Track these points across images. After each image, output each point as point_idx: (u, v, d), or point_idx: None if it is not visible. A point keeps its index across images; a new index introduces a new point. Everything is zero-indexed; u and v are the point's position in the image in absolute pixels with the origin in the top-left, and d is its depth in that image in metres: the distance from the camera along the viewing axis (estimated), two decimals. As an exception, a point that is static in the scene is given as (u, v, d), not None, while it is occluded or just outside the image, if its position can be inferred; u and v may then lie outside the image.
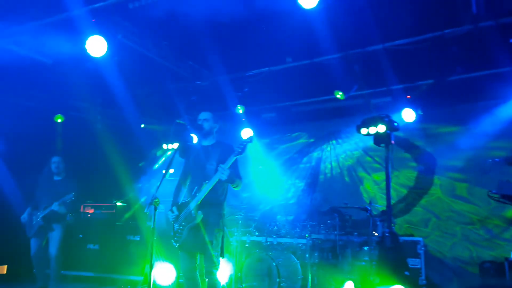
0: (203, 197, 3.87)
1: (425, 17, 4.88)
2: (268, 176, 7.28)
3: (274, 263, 5.19)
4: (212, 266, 3.85)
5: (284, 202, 6.81)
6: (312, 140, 7.11)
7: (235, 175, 3.97)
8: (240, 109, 6.52)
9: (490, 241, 5.45)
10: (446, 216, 5.85)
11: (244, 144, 3.84)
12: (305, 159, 7.13)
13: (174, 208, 4.08)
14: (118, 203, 6.70)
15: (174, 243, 4.05)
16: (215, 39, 5.24)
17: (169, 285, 5.66)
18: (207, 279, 3.90)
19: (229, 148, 4.03)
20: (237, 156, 3.86)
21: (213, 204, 3.93)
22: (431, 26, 5.02)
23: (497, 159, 4.50)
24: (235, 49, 5.51)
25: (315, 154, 7.06)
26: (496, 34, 4.70)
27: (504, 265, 4.52)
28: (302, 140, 7.23)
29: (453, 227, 5.76)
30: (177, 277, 5.77)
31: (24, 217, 5.35)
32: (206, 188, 3.88)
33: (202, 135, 4.15)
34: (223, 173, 3.76)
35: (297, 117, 6.96)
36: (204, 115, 4.17)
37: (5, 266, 6.40)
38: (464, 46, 5.06)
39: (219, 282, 3.99)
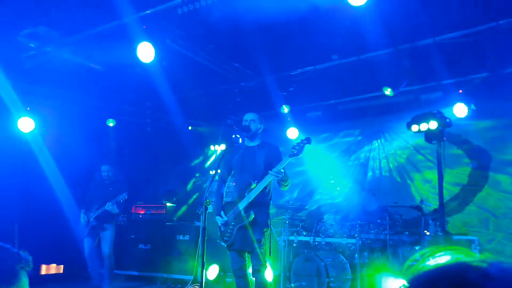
0: (253, 197, 3.91)
1: (477, 8, 4.69)
2: (315, 175, 7.23)
3: (322, 263, 5.16)
4: (259, 264, 3.92)
5: (331, 201, 6.74)
6: (359, 138, 6.99)
7: (287, 176, 4.01)
8: (285, 109, 6.53)
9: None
10: (503, 215, 5.57)
11: (301, 144, 3.87)
12: (352, 157, 7.02)
13: (222, 213, 4.15)
14: (168, 204, 6.89)
15: (223, 243, 4.14)
16: (260, 40, 5.26)
17: (213, 279, 5.76)
18: (255, 278, 3.97)
19: (275, 149, 4.14)
20: (293, 157, 3.89)
21: (261, 204, 4.00)
22: (484, 17, 4.81)
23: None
24: (280, 48, 5.52)
25: (363, 152, 6.94)
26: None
27: None
28: (349, 138, 7.12)
29: (509, 225, 5.48)
30: (220, 275, 5.85)
31: (83, 218, 5.60)
32: (257, 188, 3.93)
33: (249, 136, 4.22)
34: (278, 175, 3.80)
35: (343, 115, 6.87)
36: (249, 116, 4.22)
37: (62, 266, 6.73)
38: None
39: (267, 281, 4.04)
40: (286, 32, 5.14)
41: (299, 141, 3.92)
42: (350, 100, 6.55)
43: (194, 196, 7.33)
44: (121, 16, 4.82)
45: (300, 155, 3.89)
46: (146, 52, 4.91)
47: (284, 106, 6.48)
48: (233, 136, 4.46)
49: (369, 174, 6.81)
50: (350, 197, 6.37)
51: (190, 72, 5.96)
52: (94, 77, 6.08)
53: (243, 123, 4.24)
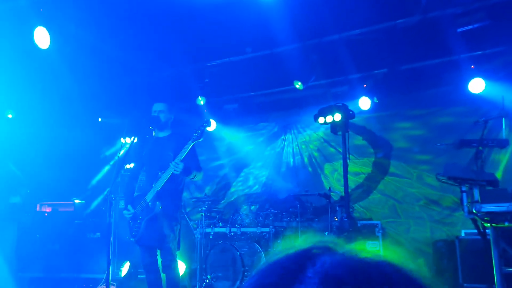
0: (159, 188, 3.80)
1: (379, 8, 5.02)
2: (232, 166, 7.30)
3: (238, 253, 5.24)
4: (170, 259, 3.83)
5: (248, 192, 6.86)
6: (275, 129, 7.20)
7: (192, 166, 3.91)
8: (201, 101, 6.47)
9: (442, 221, 5.74)
10: (402, 200, 6.10)
11: (201, 128, 3.81)
12: (268, 148, 7.21)
13: (129, 206, 4.00)
14: (77, 201, 6.51)
15: (132, 238, 4.01)
16: (174, 29, 5.16)
17: (124, 276, 5.60)
18: (165, 273, 3.88)
19: (186, 136, 3.95)
20: (195, 142, 3.79)
21: (169, 195, 3.86)
22: (385, 16, 5.17)
23: (445, 144, 4.73)
24: (195, 38, 5.45)
25: (278, 144, 7.16)
26: (444, 23, 4.91)
27: (455, 243, 4.81)
28: (264, 131, 7.30)
29: (409, 210, 6.03)
30: (131, 272, 5.70)
31: None
32: (163, 178, 3.79)
33: (158, 127, 4.07)
34: (176, 167, 3.70)
35: (259, 108, 7.00)
36: (158, 107, 4.07)
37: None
38: (415, 36, 5.25)
39: (178, 275, 3.99)
40: (200, 22, 5.09)
41: (199, 125, 3.87)
42: (265, 93, 6.69)
43: (105, 192, 7.01)
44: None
45: (201, 139, 3.83)
46: (42, 37, 4.54)
47: (199, 98, 6.43)
48: (150, 128, 4.26)
49: (284, 164, 7.04)
50: (266, 188, 6.54)
51: (99, 62, 5.65)
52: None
53: (152, 114, 4.10)
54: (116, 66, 5.91)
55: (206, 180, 7.04)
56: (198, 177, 4.11)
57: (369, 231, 5.56)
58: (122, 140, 6.23)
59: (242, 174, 7.23)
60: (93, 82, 6.01)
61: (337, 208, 5.56)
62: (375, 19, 5.21)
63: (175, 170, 3.73)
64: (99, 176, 6.94)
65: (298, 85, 5.66)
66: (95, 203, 6.84)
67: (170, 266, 3.86)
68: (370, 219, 6.00)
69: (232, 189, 7.21)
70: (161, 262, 3.93)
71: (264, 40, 5.52)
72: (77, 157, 6.64)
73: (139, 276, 5.64)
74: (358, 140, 6.42)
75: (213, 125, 6.81)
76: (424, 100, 6.15)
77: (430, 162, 5.90)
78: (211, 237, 5.88)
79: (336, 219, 5.48)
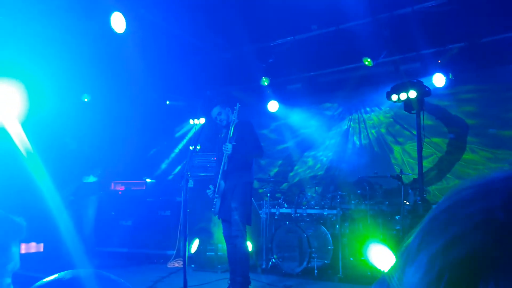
0: (224, 169, 4.23)
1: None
2: (296, 148, 7.23)
3: (304, 234, 5.21)
4: (237, 230, 4.11)
5: (312, 174, 6.77)
6: (340, 109, 6.97)
7: (249, 146, 4.19)
8: (265, 81, 6.43)
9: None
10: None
11: (235, 110, 4.04)
12: (333, 130, 7.01)
13: (211, 186, 4.45)
14: (148, 180, 6.80)
15: (213, 214, 4.32)
16: (237, 8, 5.13)
17: (193, 253, 5.82)
18: (235, 244, 4.11)
19: (246, 124, 4.35)
20: (234, 124, 4.15)
21: (235, 174, 4.25)
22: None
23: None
24: (258, 18, 5.39)
25: (344, 124, 6.93)
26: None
27: None
28: (329, 111, 7.09)
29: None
30: (200, 249, 5.88)
31: None
32: (224, 160, 4.23)
33: (226, 127, 4.32)
34: (226, 149, 4.14)
35: (324, 87, 6.81)
36: (215, 112, 4.32)
37: (42, 244, 6.59)
38: (497, 4, 4.80)
39: (247, 247, 4.20)
40: (264, 0, 5.01)
41: (233, 109, 4.19)
42: (330, 71, 6.48)
43: (175, 171, 7.26)
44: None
45: (237, 121, 4.20)
46: (118, 21, 4.72)
47: (263, 79, 6.38)
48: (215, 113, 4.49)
49: (349, 145, 6.83)
50: (331, 169, 6.40)
51: (165, 43, 5.77)
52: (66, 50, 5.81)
53: (217, 121, 4.35)
54: (183, 49, 6.01)
55: (269, 161, 7.04)
56: (257, 154, 4.44)
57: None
58: (191, 121, 6.38)
59: (306, 155, 7.12)
60: (161, 65, 6.16)
61: (410, 191, 5.31)
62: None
63: (225, 150, 4.16)
64: (171, 157, 7.19)
65: (367, 62, 5.41)
66: (165, 182, 7.10)
67: (237, 236, 4.16)
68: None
69: (296, 170, 7.15)
70: (231, 232, 4.15)
71: (331, 16, 5.33)
72: (148, 138, 6.91)
73: (207, 253, 5.80)
74: (431, 120, 6.04)
75: (275, 106, 6.76)
76: (505, 75, 5.64)
77: (510, 142, 5.45)
78: (276, 217, 5.90)
79: (408, 203, 5.26)
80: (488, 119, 5.77)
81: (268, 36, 5.97)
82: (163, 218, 6.38)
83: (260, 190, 6.19)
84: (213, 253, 5.75)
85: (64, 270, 0.87)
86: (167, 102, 7.21)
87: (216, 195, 4.31)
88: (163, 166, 7.16)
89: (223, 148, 4.17)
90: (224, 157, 4.22)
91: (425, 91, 4.82)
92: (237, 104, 4.14)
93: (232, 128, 4.19)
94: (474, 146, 5.83)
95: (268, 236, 5.71)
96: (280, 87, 6.81)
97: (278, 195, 6.12)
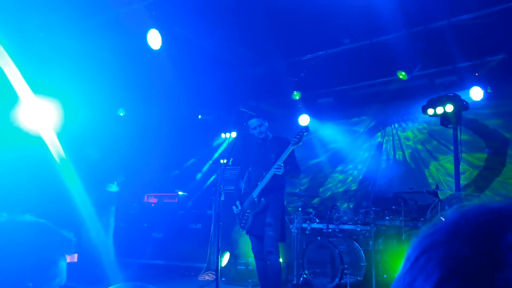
0: (263, 185, 4.20)
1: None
2: (327, 162, 7.17)
3: (337, 250, 5.11)
4: (271, 246, 4.07)
5: (344, 189, 6.67)
6: (373, 123, 6.87)
7: (292, 168, 4.23)
8: (296, 95, 6.44)
9: None
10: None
11: (300, 133, 4.03)
12: (366, 144, 6.91)
13: (238, 203, 4.44)
14: (180, 193, 6.89)
15: (241, 229, 4.30)
16: (269, 24, 5.17)
17: (224, 266, 5.82)
18: (268, 260, 4.09)
19: (285, 141, 4.32)
20: (294, 146, 4.06)
21: (273, 192, 4.24)
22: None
23: None
24: (290, 33, 5.42)
25: (377, 139, 6.82)
26: None
27: None
28: (362, 125, 7.00)
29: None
30: (230, 262, 5.87)
31: None
32: (267, 177, 4.19)
33: (263, 140, 4.34)
34: (279, 169, 4.06)
35: (355, 101, 6.75)
36: (253, 123, 4.31)
37: (76, 255, 6.74)
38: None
39: (280, 264, 4.16)
40: (296, 16, 5.04)
41: (299, 131, 4.10)
42: (362, 85, 6.42)
43: (206, 185, 7.31)
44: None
45: (300, 143, 4.07)
46: (154, 38, 4.86)
47: (295, 92, 6.39)
48: (247, 123, 4.52)
49: (383, 160, 6.70)
50: (364, 184, 6.29)
51: (198, 59, 5.89)
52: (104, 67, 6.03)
53: (255, 133, 4.34)
54: (214, 64, 6.11)
55: (301, 175, 7.00)
56: (297, 176, 4.52)
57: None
58: (223, 135, 6.45)
59: (338, 169, 7.03)
60: (194, 80, 6.29)
61: (446, 207, 5.15)
62: (488, 1, 4.72)
63: (277, 171, 4.11)
64: (203, 170, 7.28)
65: (402, 75, 5.32)
66: (196, 195, 7.18)
67: (272, 252, 4.14)
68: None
69: (328, 185, 7.07)
70: (264, 248, 4.13)
71: (364, 30, 5.28)
72: (181, 152, 7.03)
73: (238, 267, 5.79)
74: (468, 134, 5.85)
75: (306, 120, 6.75)
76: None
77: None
78: (307, 232, 5.83)
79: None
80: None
81: (300, 51, 5.99)
82: (194, 231, 6.43)
83: (291, 205, 6.14)
84: (244, 267, 5.74)
85: (98, 281, 0.89)
86: (199, 117, 7.32)
87: (248, 211, 4.30)
88: (196, 179, 7.26)
89: (276, 168, 4.08)
90: (267, 174, 4.18)
91: (462, 105, 4.70)
92: (303, 131, 4.08)
93: (286, 148, 4.14)
94: (515, 162, 5.60)
95: (299, 251, 5.65)
96: (311, 101, 6.80)
97: (310, 210, 6.05)
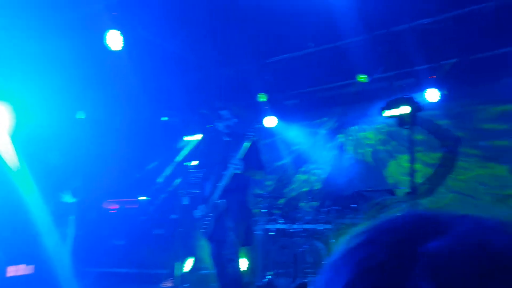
0: (224, 186, 4.03)
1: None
2: (293, 163, 7.24)
3: (299, 250, 5.18)
4: (232, 252, 3.94)
5: (308, 189, 6.77)
6: (336, 125, 7.04)
7: (253, 164, 4.04)
8: (262, 97, 6.47)
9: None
10: (472, 195, 5.80)
11: (254, 127, 3.94)
12: (329, 145, 7.07)
13: (201, 207, 4.24)
14: (141, 198, 6.72)
15: (203, 235, 4.17)
16: (236, 26, 5.17)
17: (187, 272, 5.72)
18: (228, 266, 4.00)
19: (244, 136, 4.14)
20: (250, 141, 3.94)
21: (235, 192, 4.07)
22: (456, 3, 4.87)
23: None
24: (256, 35, 5.43)
25: (340, 139, 6.99)
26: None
27: None
28: (326, 126, 7.15)
29: (479, 205, 5.71)
30: (194, 267, 5.79)
31: None
32: (226, 177, 4.03)
33: (226, 137, 4.23)
34: (236, 166, 3.94)
35: (321, 103, 6.86)
36: (224, 115, 4.22)
37: (32, 266, 6.40)
38: (487, 23, 4.91)
39: (239, 268, 4.08)
40: (263, 18, 5.06)
41: (253, 124, 4.03)
42: (327, 87, 6.56)
43: (170, 188, 7.17)
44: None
45: (256, 138, 4.01)
46: (115, 39, 4.73)
47: (261, 94, 6.42)
48: (208, 126, 4.44)
49: (345, 160, 6.88)
50: (327, 184, 6.42)
51: (162, 60, 5.79)
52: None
53: (222, 127, 4.23)
54: (177, 65, 6.02)
55: (266, 176, 7.04)
56: (260, 175, 4.23)
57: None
58: (185, 138, 6.36)
59: (303, 170, 7.14)
60: (157, 81, 6.17)
61: (402, 205, 5.34)
62: (446, 7, 4.94)
63: (235, 169, 3.95)
64: (165, 174, 7.13)
65: (363, 78, 5.48)
66: (158, 200, 7.02)
67: (232, 260, 4.00)
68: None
69: (293, 185, 7.15)
70: (225, 254, 4.04)
71: (328, 34, 5.38)
72: (143, 156, 6.86)
73: (202, 271, 5.72)
74: (424, 134, 6.14)
75: (274, 122, 6.80)
76: (496, 91, 5.77)
77: (502, 156, 5.53)
78: (272, 233, 5.86)
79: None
80: (480, 133, 5.88)
81: (267, 53, 6.02)
82: (157, 236, 6.29)
83: (256, 206, 6.15)
84: (208, 271, 5.67)
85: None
86: (163, 118, 7.20)
87: (209, 215, 4.14)
88: (158, 183, 7.10)
89: (233, 165, 3.94)
90: (226, 174, 4.03)
91: (417, 107, 4.85)
92: (257, 124, 4.04)
93: (243, 145, 4.01)
94: (466, 159, 5.92)
95: (264, 252, 5.66)
96: (277, 103, 6.85)
97: (275, 211, 6.08)
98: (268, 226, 5.83)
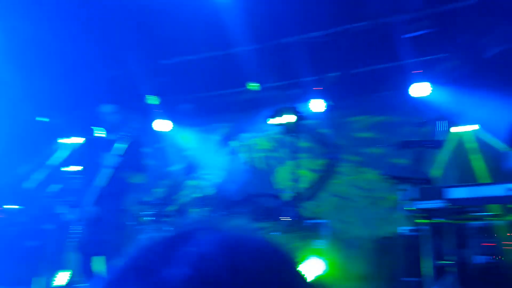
0: (98, 192, 3.69)
1: (335, 11, 5.06)
2: (185, 168, 7.14)
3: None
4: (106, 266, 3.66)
5: (201, 195, 6.71)
6: (229, 131, 7.14)
7: (131, 166, 3.81)
8: (153, 100, 6.24)
9: (386, 219, 5.92)
10: (350, 199, 6.29)
11: (135, 129, 3.76)
12: (222, 151, 7.13)
13: (71, 212, 3.86)
14: (8, 206, 5.96)
15: (72, 245, 3.81)
16: (126, 25, 4.92)
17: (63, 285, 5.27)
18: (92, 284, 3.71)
19: (122, 138, 3.86)
20: (128, 143, 3.73)
21: (108, 199, 3.72)
22: (340, 20, 5.23)
23: (389, 145, 4.92)
24: (149, 37, 5.27)
25: (232, 145, 7.09)
26: (393, 29, 5.07)
27: (395, 240, 4.96)
28: (219, 132, 7.20)
29: (356, 208, 6.23)
30: (70, 280, 5.37)
31: None
32: (100, 182, 3.70)
33: (107, 129, 3.94)
34: (107, 168, 3.67)
35: (215, 108, 6.89)
36: (106, 108, 3.93)
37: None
38: (366, 40, 5.38)
39: None
40: (156, 20, 4.91)
41: (128, 124, 3.84)
42: (221, 93, 6.61)
43: (45, 195, 6.51)
44: None
45: (135, 140, 3.83)
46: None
47: (151, 97, 6.19)
48: (94, 130, 4.10)
49: (237, 166, 6.98)
50: (220, 189, 6.45)
51: (43, 58, 5.26)
52: None
53: (101, 116, 3.93)
54: (61, 63, 5.54)
55: (157, 182, 6.83)
56: (139, 178, 3.98)
57: (316, 230, 5.67)
58: (61, 141, 5.84)
59: (196, 175, 7.09)
60: (37, 80, 5.59)
61: (287, 208, 5.57)
62: (331, 23, 5.28)
63: (108, 168, 3.68)
64: (36, 179, 6.44)
65: (254, 86, 5.62)
66: (30, 208, 6.32)
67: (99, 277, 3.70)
68: (319, 218, 6.09)
69: (184, 192, 7.04)
70: (91, 269, 3.74)
71: (221, 40, 5.41)
72: (12, 158, 6.13)
73: (75, 285, 5.28)
74: (310, 142, 6.52)
75: (168, 126, 6.62)
76: (373, 103, 6.37)
77: (376, 162, 6.10)
78: (159, 241, 5.65)
79: (285, 219, 5.51)
80: (361, 141, 6.42)
81: (159, 55, 5.85)
82: (30, 249, 5.66)
83: (142, 214, 5.89)
84: (82, 286, 5.25)
85: None
86: (40, 119, 6.52)
87: (80, 223, 3.77)
88: (30, 190, 6.40)
89: (104, 168, 3.65)
90: (98, 179, 3.71)
91: (301, 116, 5.15)
92: (131, 124, 3.78)
93: (119, 145, 3.72)
94: (344, 165, 6.42)
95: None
96: (170, 107, 6.69)
97: (163, 218, 5.88)
98: (153, 235, 5.60)
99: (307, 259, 4.94)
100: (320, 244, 5.51)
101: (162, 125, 6.56)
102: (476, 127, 5.37)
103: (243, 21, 4.86)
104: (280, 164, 6.74)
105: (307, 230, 5.29)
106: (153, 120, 6.52)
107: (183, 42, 5.33)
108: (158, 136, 6.88)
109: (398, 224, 5.54)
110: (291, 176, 5.76)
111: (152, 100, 6.21)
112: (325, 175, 6.47)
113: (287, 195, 5.79)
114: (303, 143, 6.25)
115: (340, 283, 5.20)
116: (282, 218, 5.38)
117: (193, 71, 5.91)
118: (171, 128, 6.72)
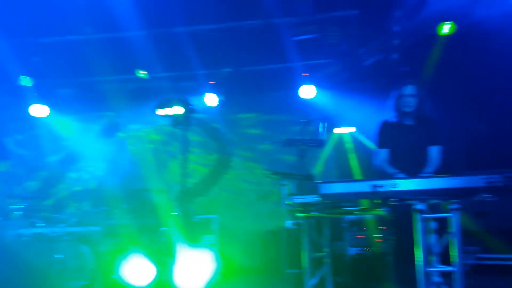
0: None
1: (227, 7, 5.06)
2: (65, 159, 6.60)
3: (56, 256, 4.69)
4: None
5: (82, 188, 6.25)
6: (117, 119, 6.74)
7: None
8: (27, 82, 5.62)
9: (273, 213, 6.12)
10: (240, 194, 6.43)
11: None
12: (108, 141, 6.70)
13: None
14: None
15: None
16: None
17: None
18: None
19: None
20: None
21: None
22: (232, 16, 5.25)
23: (274, 142, 5.12)
24: (21, 10, 4.69)
25: (118, 136, 6.72)
26: (282, 31, 5.27)
27: (280, 233, 5.24)
28: (105, 120, 6.76)
29: (245, 203, 6.38)
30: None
31: None
32: None
33: None
34: None
35: (100, 95, 6.42)
36: None
37: None
38: (257, 39, 5.49)
39: None
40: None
41: None
42: (108, 79, 6.20)
43: None
44: None
45: None
46: None
47: (25, 78, 5.57)
48: None
49: (123, 158, 6.66)
50: (103, 182, 6.07)
51: None
52: None
53: None
54: None
55: (30, 173, 6.20)
56: (2, 166, 3.59)
57: (206, 225, 5.66)
58: None
59: (76, 167, 6.60)
60: None
61: (176, 203, 5.45)
62: (223, 17, 5.27)
63: None
64: None
65: (142, 74, 5.37)
66: None
67: None
68: (209, 213, 6.08)
69: (63, 185, 6.50)
70: None
71: (107, 21, 5.05)
72: None
73: None
74: (201, 136, 6.50)
75: (44, 111, 6.02)
76: (263, 102, 6.63)
77: (264, 158, 6.32)
78: (26, 239, 5.10)
79: (175, 214, 5.39)
80: (250, 137, 6.60)
81: (34, 32, 5.26)
82: None
83: (10, 209, 5.30)
84: None
85: None
86: None
87: None
88: None
89: None
90: None
91: (191, 108, 5.01)
92: None
93: None
94: (239, 161, 6.54)
95: (17, 262, 4.88)
96: (48, 90, 6.08)
97: (36, 213, 5.34)
98: (22, 231, 5.06)
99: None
100: (210, 239, 5.51)
101: (37, 110, 5.95)
102: (353, 129, 5.90)
103: (133, 3, 4.63)
104: (172, 158, 6.58)
105: (196, 225, 5.25)
106: (27, 104, 5.89)
107: (63, 19, 4.87)
108: (33, 122, 6.26)
109: (285, 219, 5.79)
110: (182, 170, 5.66)
111: (26, 81, 5.59)
112: (217, 170, 6.50)
113: (176, 190, 5.66)
114: (194, 137, 6.20)
115: (230, 277, 5.25)
116: (171, 214, 5.25)
117: (75, 52, 5.45)
118: (48, 114, 6.14)
